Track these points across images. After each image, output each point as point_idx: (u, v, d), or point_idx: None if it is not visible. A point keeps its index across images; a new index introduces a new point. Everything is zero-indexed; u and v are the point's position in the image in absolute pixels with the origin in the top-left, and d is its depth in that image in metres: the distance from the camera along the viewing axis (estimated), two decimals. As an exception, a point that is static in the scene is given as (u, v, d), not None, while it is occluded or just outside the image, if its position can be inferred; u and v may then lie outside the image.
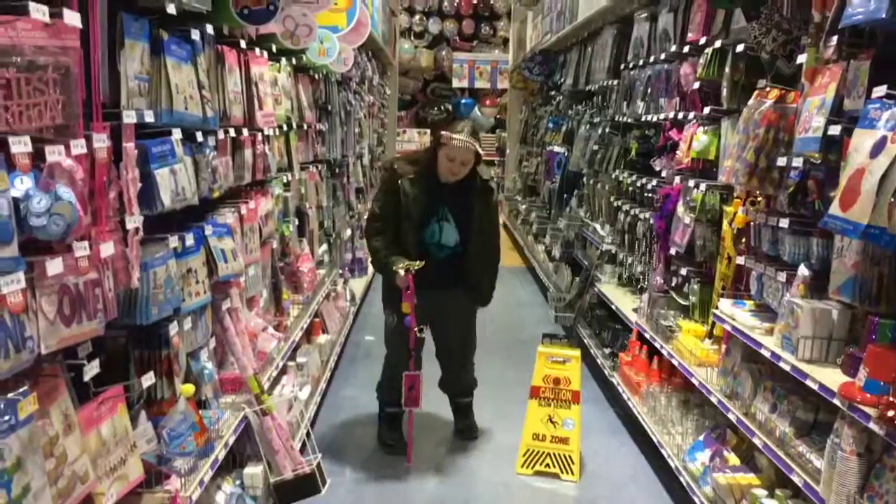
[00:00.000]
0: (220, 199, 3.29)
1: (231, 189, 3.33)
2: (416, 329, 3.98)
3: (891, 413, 2.20)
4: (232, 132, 3.24)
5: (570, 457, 4.14)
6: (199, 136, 2.82)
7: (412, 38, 15.60)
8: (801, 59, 2.97)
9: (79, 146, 1.88)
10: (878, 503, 2.37)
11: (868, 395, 2.38)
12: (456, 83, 15.49)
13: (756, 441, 3.07)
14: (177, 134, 2.57)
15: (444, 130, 3.93)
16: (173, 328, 2.57)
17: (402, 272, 3.85)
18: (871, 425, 2.32)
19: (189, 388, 2.65)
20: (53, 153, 1.79)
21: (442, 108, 15.55)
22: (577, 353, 4.28)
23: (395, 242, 3.98)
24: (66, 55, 1.84)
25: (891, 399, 2.24)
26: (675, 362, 4.03)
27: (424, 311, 3.99)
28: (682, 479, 3.67)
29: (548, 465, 4.16)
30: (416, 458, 4.24)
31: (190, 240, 2.75)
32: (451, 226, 4.00)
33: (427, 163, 3.95)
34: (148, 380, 2.45)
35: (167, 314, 2.53)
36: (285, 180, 4.40)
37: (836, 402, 2.51)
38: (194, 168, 2.75)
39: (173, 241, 2.60)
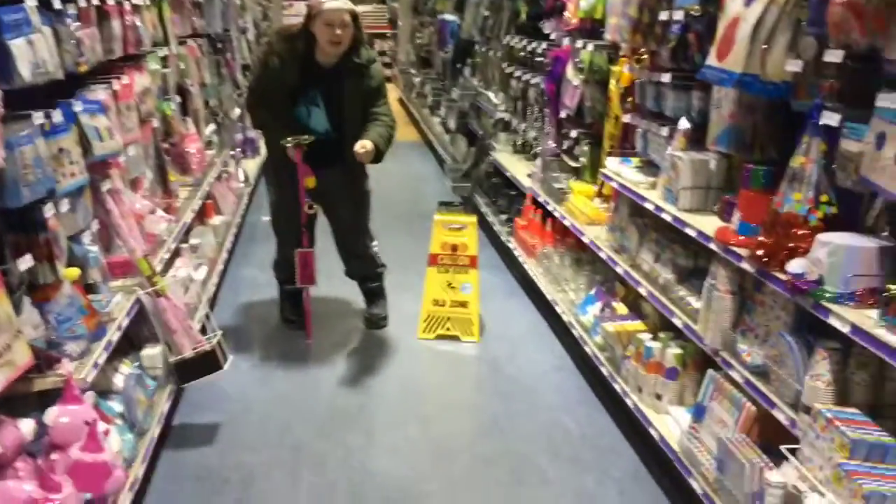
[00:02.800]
0: (91, 76, 3.09)
1: (101, 64, 3.13)
2: (306, 205, 3.88)
3: (760, 252, 2.32)
4: (95, 0, 3.01)
5: (469, 319, 4.21)
6: (58, 4, 2.61)
7: None
8: None
9: (-87, 11, 1.70)
10: (750, 336, 2.53)
11: (741, 237, 2.49)
12: (343, -49, 14.77)
13: (641, 290, 3.16)
14: (30, 0, 2.37)
15: (313, 2, 3.72)
16: (48, 210, 2.46)
17: (292, 146, 3.76)
18: (743, 265, 2.44)
19: (73, 272, 2.56)
20: None
21: (329, -22, 14.89)
22: (473, 219, 4.31)
23: (279, 116, 3.86)
24: None
25: (760, 239, 2.34)
26: (567, 223, 4.09)
27: (313, 188, 3.90)
28: (574, 331, 3.80)
29: (448, 328, 4.22)
30: (319, 333, 4.24)
31: (58, 117, 2.59)
32: (320, 111, 3.84)
33: (301, 42, 3.74)
34: (25, 262, 2.35)
35: (41, 196, 2.40)
36: (162, 55, 4.15)
37: (712, 246, 2.62)
38: (55, 39, 2.56)
39: (38, 118, 2.45)
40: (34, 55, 2.34)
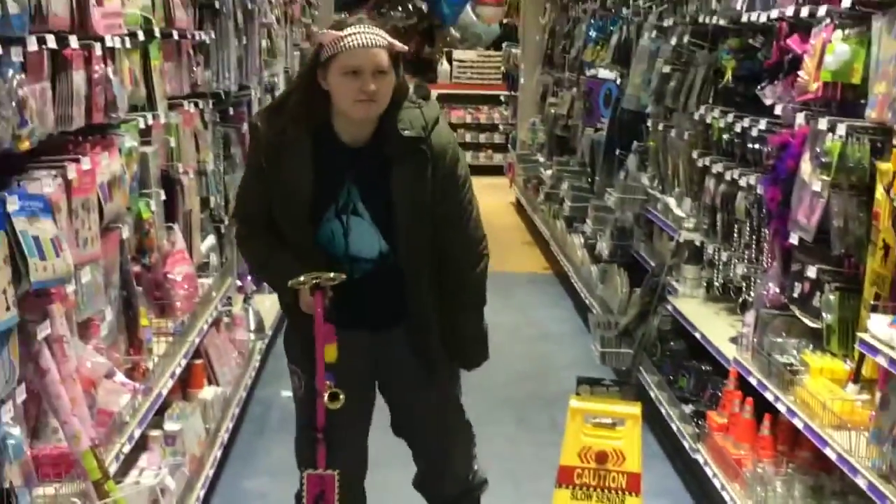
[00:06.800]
0: (34, 154, 3.27)
1: (52, 138, 3.31)
2: (325, 393, 3.70)
3: None
4: (51, 42, 3.19)
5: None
6: (-4, 48, 2.83)
7: None
8: None
9: None
10: None
11: None
12: (433, -33, 15.44)
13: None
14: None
15: (323, 32, 3.69)
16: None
17: (307, 290, 3.68)
18: None
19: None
20: None
21: (411, 6, 15.45)
22: (635, 410, 4.35)
23: (291, 246, 3.83)
24: None
25: None
26: (798, 423, 4.08)
27: (356, 367, 3.81)
28: None
29: None
30: None
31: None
32: (363, 221, 3.77)
33: (305, 105, 3.68)
34: None
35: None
36: (143, 125, 4.35)
37: None
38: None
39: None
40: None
